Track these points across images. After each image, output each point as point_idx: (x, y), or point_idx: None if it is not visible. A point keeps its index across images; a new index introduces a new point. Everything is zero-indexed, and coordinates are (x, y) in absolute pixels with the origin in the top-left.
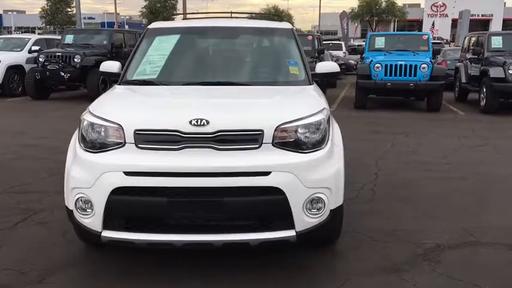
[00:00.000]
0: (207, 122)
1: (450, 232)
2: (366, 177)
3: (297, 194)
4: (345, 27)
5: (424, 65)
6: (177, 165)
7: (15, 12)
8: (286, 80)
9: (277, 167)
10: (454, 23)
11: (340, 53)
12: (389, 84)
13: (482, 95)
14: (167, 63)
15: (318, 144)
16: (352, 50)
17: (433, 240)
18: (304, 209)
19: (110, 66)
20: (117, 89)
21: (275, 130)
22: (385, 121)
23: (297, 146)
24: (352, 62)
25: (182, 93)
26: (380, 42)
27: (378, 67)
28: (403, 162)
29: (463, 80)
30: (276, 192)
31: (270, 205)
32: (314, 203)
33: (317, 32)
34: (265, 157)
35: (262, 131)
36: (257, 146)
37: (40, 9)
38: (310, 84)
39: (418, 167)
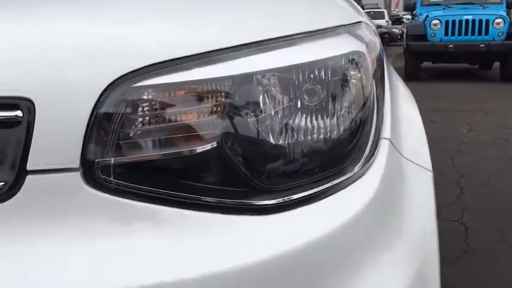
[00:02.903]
0: None
1: None
2: (444, 193)
3: None
4: None
5: (498, 20)
6: None
7: None
8: None
9: None
10: None
11: (382, 22)
12: (451, 46)
13: None
14: None
15: (335, 163)
16: (396, 20)
17: None
18: None
19: None
20: None
21: (102, 102)
22: (449, 94)
23: (225, 177)
24: (397, 31)
25: None
26: None
27: (435, 24)
28: (498, 158)
29: None
30: None
31: None
32: None
33: None
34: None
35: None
36: None
37: None
38: None
39: None
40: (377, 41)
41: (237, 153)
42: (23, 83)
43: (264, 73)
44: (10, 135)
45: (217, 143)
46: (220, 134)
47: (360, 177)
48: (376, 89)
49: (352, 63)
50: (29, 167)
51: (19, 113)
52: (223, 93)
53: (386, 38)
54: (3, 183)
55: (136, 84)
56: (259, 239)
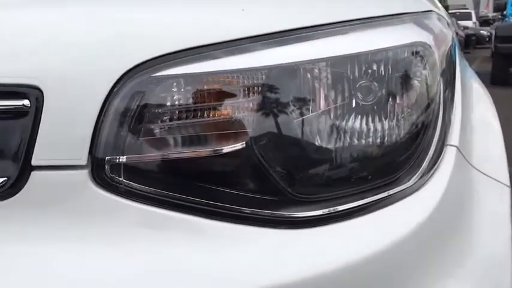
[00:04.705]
0: None
1: None
2: None
3: None
4: None
5: None
6: None
7: None
8: None
9: None
10: None
11: (469, 23)
12: None
13: None
14: None
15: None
16: (484, 22)
17: None
18: None
19: None
20: None
21: (115, 92)
22: None
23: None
24: (485, 32)
25: None
26: None
27: None
28: None
29: None
30: None
31: None
32: None
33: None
34: None
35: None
36: None
37: None
38: None
39: None
40: (449, 33)
41: (272, 157)
42: (32, 70)
43: (310, 64)
44: (15, 127)
45: (247, 143)
46: (252, 134)
47: (417, 189)
48: (444, 87)
49: (416, 57)
50: (34, 162)
51: (26, 102)
52: (259, 87)
53: (473, 40)
54: (5, 178)
55: (156, 74)
56: (298, 256)
